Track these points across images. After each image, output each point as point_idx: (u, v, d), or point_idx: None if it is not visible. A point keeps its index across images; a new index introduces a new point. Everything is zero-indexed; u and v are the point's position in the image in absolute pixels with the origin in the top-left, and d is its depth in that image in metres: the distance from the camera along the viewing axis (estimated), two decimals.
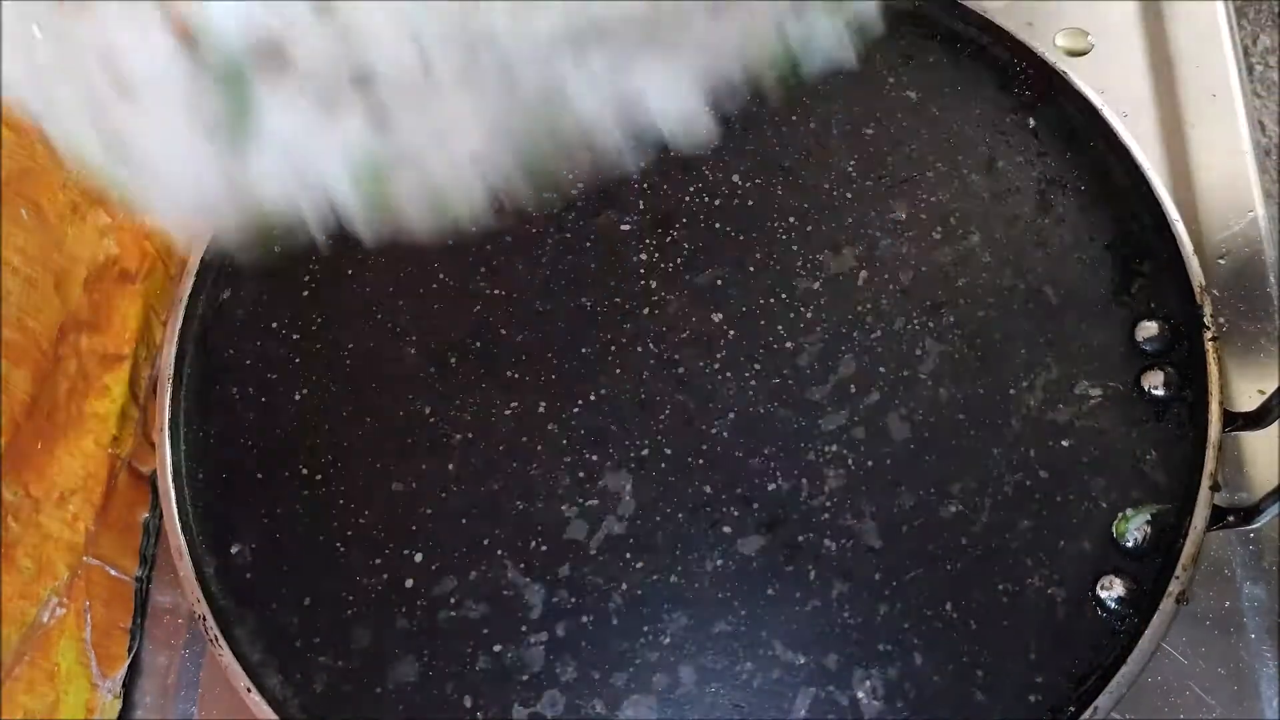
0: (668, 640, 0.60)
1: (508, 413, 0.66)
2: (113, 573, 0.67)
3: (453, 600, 0.61)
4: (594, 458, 0.64)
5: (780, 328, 0.67)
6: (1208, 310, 0.66)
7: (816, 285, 0.69)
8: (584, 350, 0.67)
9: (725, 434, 0.64)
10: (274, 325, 0.70)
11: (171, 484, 0.65)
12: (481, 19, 0.42)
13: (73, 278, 0.64)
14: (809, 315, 0.68)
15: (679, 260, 0.69)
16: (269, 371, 0.69)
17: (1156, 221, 0.70)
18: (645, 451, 0.64)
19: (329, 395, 0.68)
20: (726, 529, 0.62)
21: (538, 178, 0.47)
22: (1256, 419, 0.65)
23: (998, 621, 0.59)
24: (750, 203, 0.72)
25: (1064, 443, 0.63)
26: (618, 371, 0.66)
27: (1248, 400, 0.68)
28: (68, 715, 0.62)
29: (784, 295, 0.68)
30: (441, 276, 0.70)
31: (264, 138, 0.43)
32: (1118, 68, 0.81)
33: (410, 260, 0.71)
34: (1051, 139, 0.74)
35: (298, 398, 0.68)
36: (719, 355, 0.67)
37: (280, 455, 0.66)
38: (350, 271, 0.71)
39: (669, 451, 0.64)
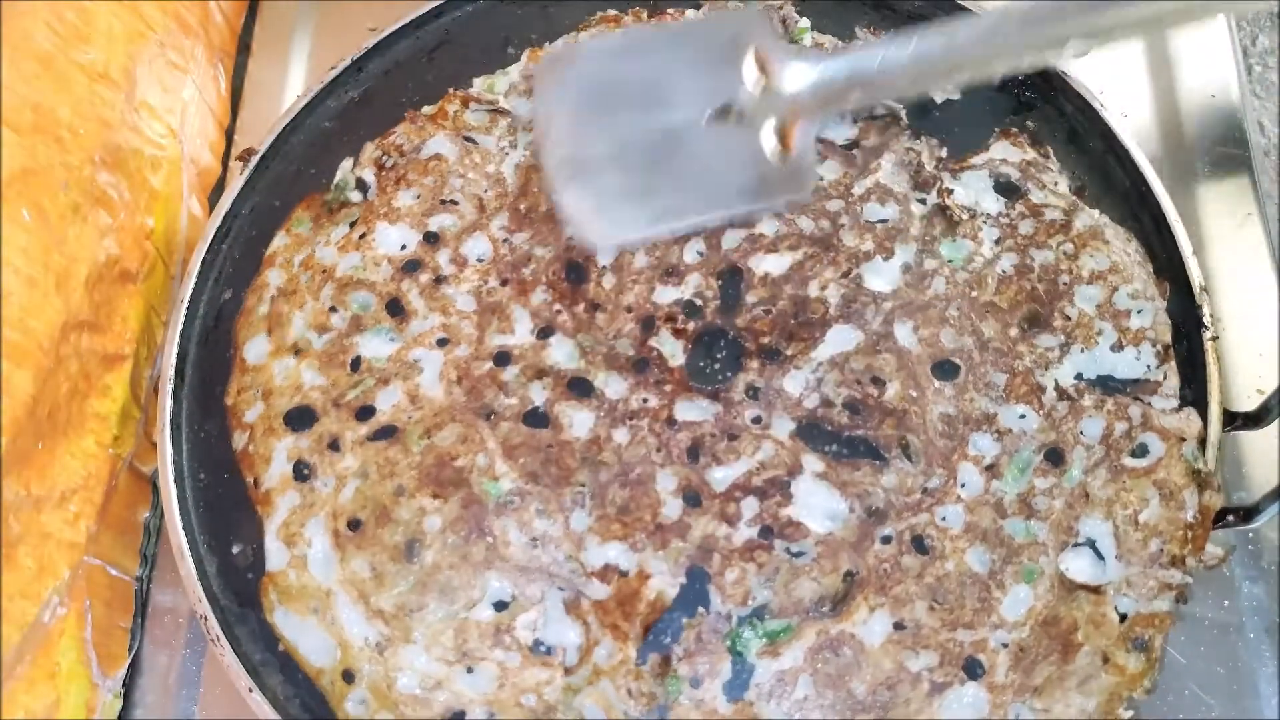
0: None
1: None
2: (113, 572, 0.67)
3: None
4: None
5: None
6: (1208, 310, 0.66)
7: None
8: None
9: None
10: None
11: (173, 484, 0.65)
12: None
13: (74, 278, 0.65)
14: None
15: None
16: None
17: (1156, 221, 0.70)
18: None
19: None
20: None
21: None
22: (1256, 419, 0.65)
23: None
24: None
25: None
26: None
27: (1248, 400, 0.68)
28: (68, 714, 0.62)
29: None
30: None
31: None
32: (1118, 68, 0.81)
33: None
34: (1052, 139, 0.74)
35: None
36: None
37: None
38: None
39: None
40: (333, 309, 0.69)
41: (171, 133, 0.77)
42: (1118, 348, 0.67)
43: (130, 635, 0.68)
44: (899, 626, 0.60)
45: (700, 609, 0.61)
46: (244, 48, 0.89)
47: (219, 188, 0.83)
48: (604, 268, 0.70)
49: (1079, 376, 0.67)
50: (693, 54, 0.69)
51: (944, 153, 0.74)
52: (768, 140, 0.67)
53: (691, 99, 0.67)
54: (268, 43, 0.88)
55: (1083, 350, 0.67)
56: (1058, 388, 0.66)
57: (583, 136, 0.68)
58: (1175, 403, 0.65)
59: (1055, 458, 0.64)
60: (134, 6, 0.74)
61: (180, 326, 0.69)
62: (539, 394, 0.66)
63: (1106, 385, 0.66)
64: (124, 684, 0.67)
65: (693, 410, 0.66)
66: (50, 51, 0.65)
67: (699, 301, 0.69)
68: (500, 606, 0.61)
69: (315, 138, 0.76)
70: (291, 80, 0.86)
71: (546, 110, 0.70)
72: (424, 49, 0.80)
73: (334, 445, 0.65)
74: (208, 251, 0.71)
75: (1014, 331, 0.68)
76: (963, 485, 0.64)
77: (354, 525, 0.63)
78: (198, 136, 0.81)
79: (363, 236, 0.71)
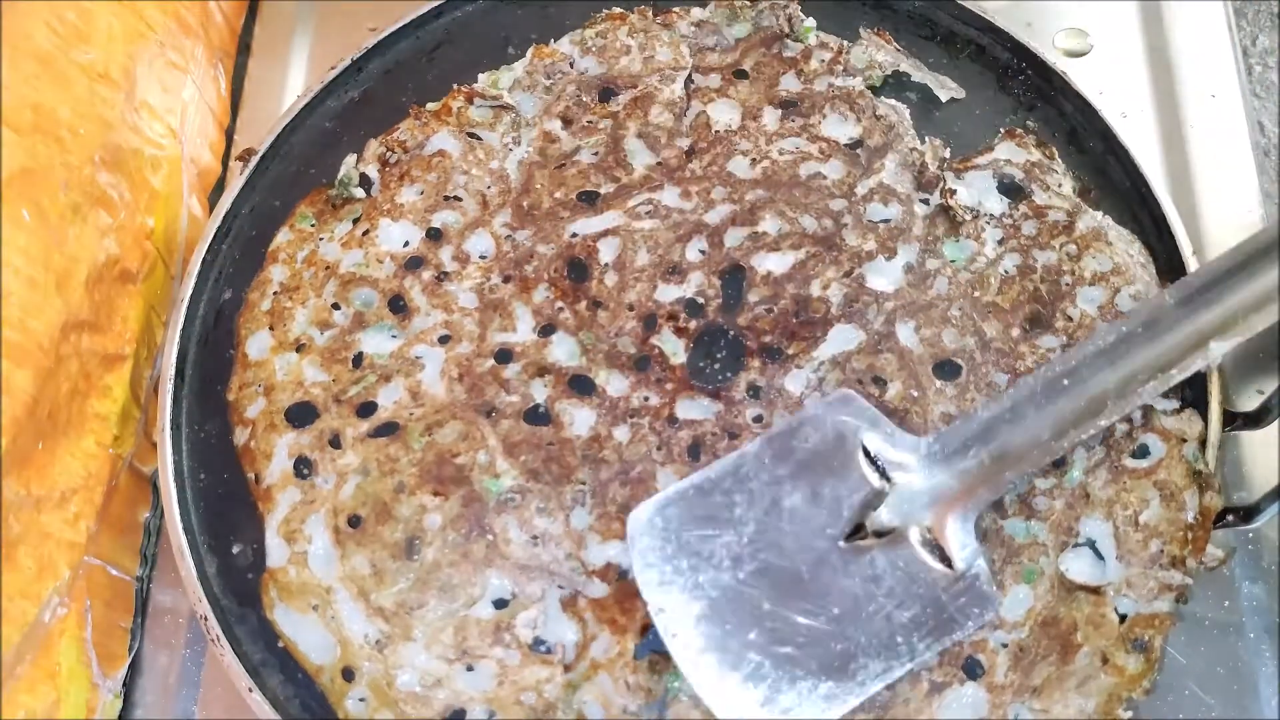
0: None
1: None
2: (114, 572, 0.67)
3: None
4: None
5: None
6: None
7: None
8: None
9: None
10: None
11: (173, 484, 0.65)
12: None
13: (74, 278, 0.64)
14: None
15: None
16: None
17: (1156, 221, 0.70)
18: None
19: None
20: None
21: None
22: (1256, 419, 0.65)
23: None
24: None
25: None
26: None
27: (1248, 400, 0.68)
28: (68, 714, 0.62)
29: None
30: None
31: None
32: (1118, 68, 0.81)
33: None
34: (1051, 139, 0.74)
35: None
36: None
37: None
38: None
39: None
40: (335, 305, 0.69)
41: (171, 133, 0.77)
42: None
43: (130, 635, 0.68)
44: None
45: None
46: (244, 48, 0.89)
47: (219, 188, 0.83)
48: (606, 265, 0.70)
49: None
50: (798, 473, 0.59)
51: (948, 153, 0.74)
52: (922, 552, 0.58)
53: (816, 530, 0.58)
54: (268, 43, 0.88)
55: None
56: None
57: (711, 615, 0.57)
58: (1176, 404, 0.65)
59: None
60: (134, 6, 0.74)
61: (180, 326, 0.69)
62: (540, 391, 0.66)
63: None
64: (124, 684, 0.67)
65: (694, 409, 0.65)
66: (50, 51, 0.64)
67: (701, 300, 0.69)
68: (500, 604, 0.61)
69: (315, 138, 0.76)
70: (291, 80, 0.86)
71: (657, 598, 0.58)
72: (424, 49, 0.80)
73: (335, 442, 0.65)
74: (208, 251, 0.71)
75: (1016, 332, 0.68)
76: None
77: (354, 522, 0.63)
78: (198, 136, 0.81)
79: (366, 233, 0.71)
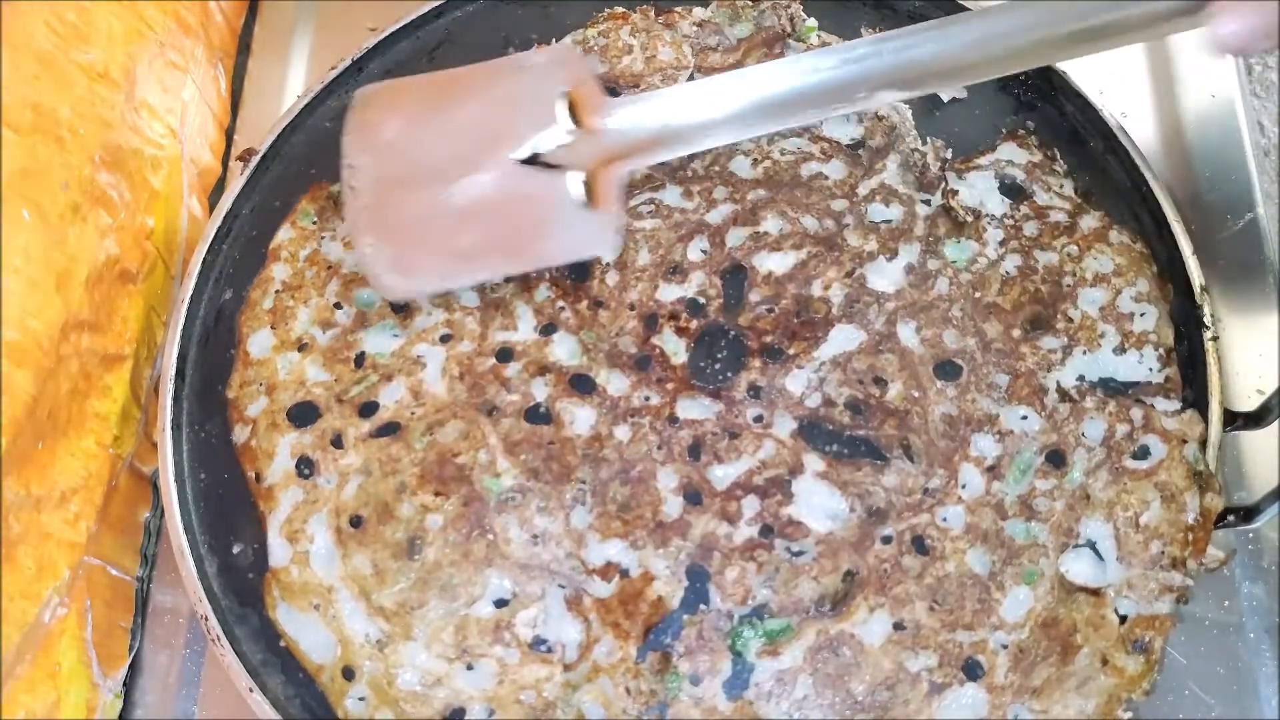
0: None
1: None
2: (114, 572, 0.67)
3: None
4: None
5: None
6: (1208, 310, 0.66)
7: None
8: None
9: None
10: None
11: (173, 484, 0.65)
12: None
13: (74, 278, 0.64)
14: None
15: None
16: None
17: (1156, 221, 0.70)
18: None
19: None
20: None
21: None
22: (1256, 419, 0.65)
23: None
24: None
25: None
26: None
27: (1248, 400, 0.68)
28: (69, 714, 0.62)
29: None
30: None
31: None
32: (1118, 68, 0.81)
33: None
34: (1052, 139, 0.74)
35: None
36: None
37: None
38: None
39: None
40: (337, 305, 0.69)
41: (171, 133, 0.77)
42: (1120, 350, 0.67)
43: (130, 635, 0.68)
44: (899, 627, 0.60)
45: (701, 606, 0.61)
46: (244, 48, 0.89)
47: (219, 188, 0.83)
48: (607, 265, 0.70)
49: (1081, 378, 0.67)
50: (505, 96, 0.68)
51: (949, 153, 0.74)
52: (575, 189, 0.65)
53: (501, 145, 0.66)
54: (268, 43, 0.88)
55: (1085, 352, 0.67)
56: (1060, 389, 0.66)
57: (386, 186, 0.66)
58: (1177, 405, 0.65)
59: (1056, 459, 0.64)
60: (134, 6, 0.74)
61: (180, 326, 0.69)
62: (541, 390, 0.66)
63: (1108, 387, 0.66)
64: (124, 684, 0.67)
65: (694, 408, 0.66)
66: (50, 51, 0.64)
67: (702, 299, 0.69)
68: (501, 604, 0.61)
69: (315, 138, 0.76)
70: (291, 80, 0.86)
71: (352, 155, 0.67)
72: (424, 49, 0.80)
73: (337, 442, 0.65)
74: (208, 251, 0.71)
75: (1017, 333, 0.68)
76: (964, 486, 0.64)
77: (356, 522, 0.63)
78: (198, 136, 0.81)
79: None
